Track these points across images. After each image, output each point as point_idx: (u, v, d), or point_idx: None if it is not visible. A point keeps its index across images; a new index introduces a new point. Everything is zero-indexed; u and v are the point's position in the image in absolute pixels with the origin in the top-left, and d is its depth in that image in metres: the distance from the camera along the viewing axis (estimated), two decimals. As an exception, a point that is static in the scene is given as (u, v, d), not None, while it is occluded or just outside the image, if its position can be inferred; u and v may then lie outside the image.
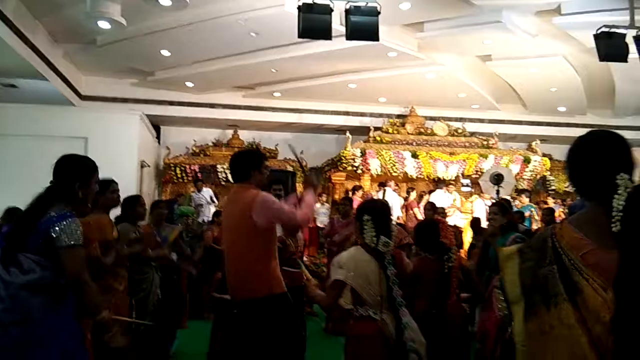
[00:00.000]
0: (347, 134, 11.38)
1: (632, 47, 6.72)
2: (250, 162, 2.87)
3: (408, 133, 12.02)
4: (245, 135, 12.60)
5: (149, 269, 3.99)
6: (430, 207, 6.60)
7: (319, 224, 10.56)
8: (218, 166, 11.73)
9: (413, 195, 10.69)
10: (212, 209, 9.95)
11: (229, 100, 11.65)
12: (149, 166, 11.61)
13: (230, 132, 12.70)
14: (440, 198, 10.20)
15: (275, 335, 2.66)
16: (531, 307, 1.30)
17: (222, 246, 3.30)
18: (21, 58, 7.44)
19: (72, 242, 2.13)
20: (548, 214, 6.83)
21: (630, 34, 6.71)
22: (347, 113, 12.24)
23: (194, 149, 12.23)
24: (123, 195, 3.85)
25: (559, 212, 10.02)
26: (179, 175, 11.76)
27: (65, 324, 2.15)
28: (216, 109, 11.71)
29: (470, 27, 8.36)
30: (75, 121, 9.33)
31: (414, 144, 11.75)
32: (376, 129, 11.87)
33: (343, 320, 2.78)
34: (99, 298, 2.32)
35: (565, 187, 12.23)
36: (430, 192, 10.95)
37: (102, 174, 3.94)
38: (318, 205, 10.86)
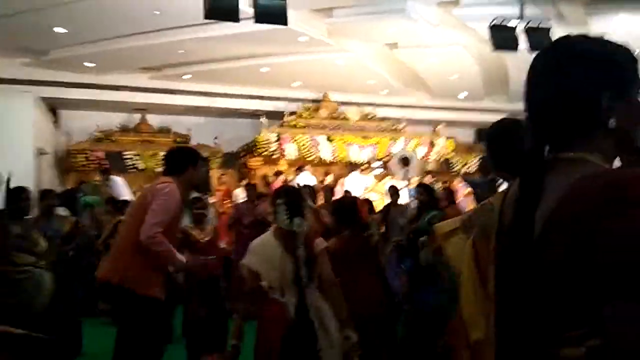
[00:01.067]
0: (262, 118, 11.31)
1: (523, 38, 7.31)
2: (189, 157, 2.96)
3: (322, 118, 12.22)
4: (154, 120, 12.06)
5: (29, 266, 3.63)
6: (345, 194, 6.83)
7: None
8: (126, 153, 11.17)
9: (329, 178, 10.91)
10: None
11: (135, 83, 11.07)
12: (47, 153, 10.81)
13: (137, 116, 12.11)
14: (355, 181, 10.53)
15: (126, 326, 2.74)
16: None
17: None
18: None
19: None
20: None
21: (521, 26, 7.27)
22: (261, 97, 12.13)
23: (98, 134, 11.52)
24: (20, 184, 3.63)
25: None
26: (83, 163, 11.05)
27: None
28: (121, 92, 11.08)
29: (376, 15, 8.61)
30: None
31: (328, 128, 11.99)
32: (291, 113, 11.92)
33: (255, 303, 2.79)
34: None
35: (467, 169, 13.05)
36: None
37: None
38: (239, 190, 10.78)
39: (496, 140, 1.73)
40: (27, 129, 9.21)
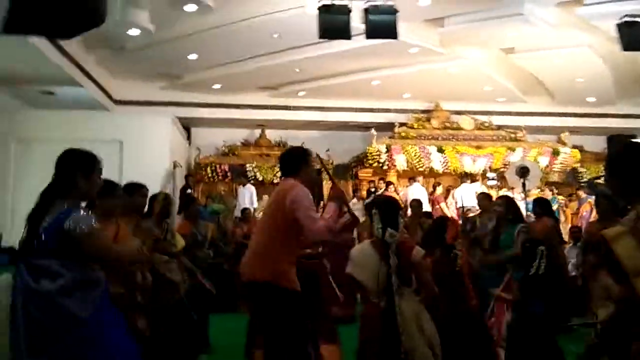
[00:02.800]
0: (372, 130, 11.48)
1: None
2: (298, 157, 3.03)
3: (433, 128, 12.05)
4: (272, 135, 12.85)
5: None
6: (417, 204, 6.74)
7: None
8: (247, 165, 12.03)
9: (439, 190, 10.73)
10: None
11: (256, 101, 11.92)
12: (181, 166, 12.00)
13: (257, 131, 12.98)
14: (466, 192, 10.19)
15: (274, 323, 2.76)
16: None
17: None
18: (57, 66, 7.85)
19: (88, 229, 2.15)
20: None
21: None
22: (371, 110, 12.33)
23: (224, 149, 12.57)
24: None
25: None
26: (210, 175, 12.10)
27: (109, 315, 2.21)
28: (243, 110, 12.00)
29: (491, 20, 8.36)
30: (110, 125, 9.70)
31: (440, 138, 11.78)
32: (401, 124, 11.94)
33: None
34: (132, 253, 2.47)
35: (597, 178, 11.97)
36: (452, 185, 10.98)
37: (137, 175, 4.20)
38: (355, 200, 11.07)
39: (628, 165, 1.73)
40: (165, 145, 10.30)
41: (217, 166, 12.10)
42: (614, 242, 1.70)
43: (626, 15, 6.54)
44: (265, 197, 11.50)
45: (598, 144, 13.66)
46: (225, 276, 6.46)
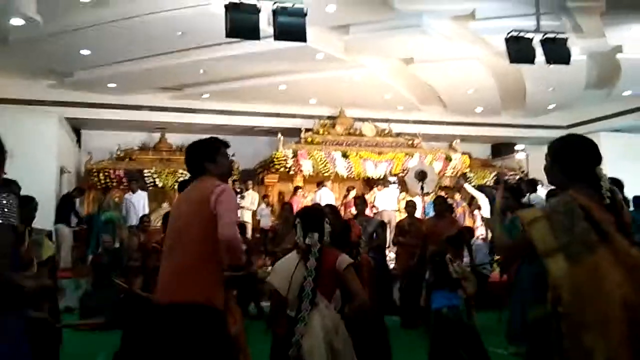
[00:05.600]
0: (279, 135, 11.45)
1: (540, 50, 7.33)
2: (201, 153, 2.63)
3: (338, 134, 12.33)
4: (174, 139, 12.28)
5: None
6: (361, 202, 6.83)
7: (262, 226, 10.60)
8: (145, 171, 11.36)
9: (353, 194, 10.99)
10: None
11: (156, 102, 11.32)
12: (69, 172, 11.04)
13: (157, 135, 12.35)
14: (386, 196, 10.99)
15: (201, 352, 2.36)
16: (575, 256, 1.76)
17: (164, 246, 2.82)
18: None
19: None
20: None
21: (537, 38, 7.31)
22: (278, 115, 12.29)
23: (119, 153, 11.75)
24: (43, 202, 3.72)
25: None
26: (103, 181, 11.24)
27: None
28: (142, 111, 11.33)
29: (392, 31, 8.74)
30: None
31: (344, 144, 12.08)
32: (307, 130, 12.04)
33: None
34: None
35: (483, 183, 12.97)
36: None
37: (20, 180, 3.72)
38: (263, 205, 10.93)
39: (562, 155, 1.98)
40: (51, 148, 9.43)
41: (112, 171, 11.29)
42: (530, 225, 1.86)
43: (513, 30, 7.15)
44: (165, 205, 10.96)
45: (484, 151, 14.89)
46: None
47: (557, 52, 7.34)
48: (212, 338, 2.38)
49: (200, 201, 2.45)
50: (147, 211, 9.99)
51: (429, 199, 10.13)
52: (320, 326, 2.46)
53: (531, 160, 13.31)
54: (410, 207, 7.23)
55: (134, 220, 9.51)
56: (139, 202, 10.26)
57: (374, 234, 6.46)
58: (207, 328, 2.37)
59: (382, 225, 7.03)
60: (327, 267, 2.57)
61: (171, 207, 3.22)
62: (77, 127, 11.61)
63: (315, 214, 2.88)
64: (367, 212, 7.71)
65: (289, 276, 2.59)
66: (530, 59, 7.43)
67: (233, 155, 12.04)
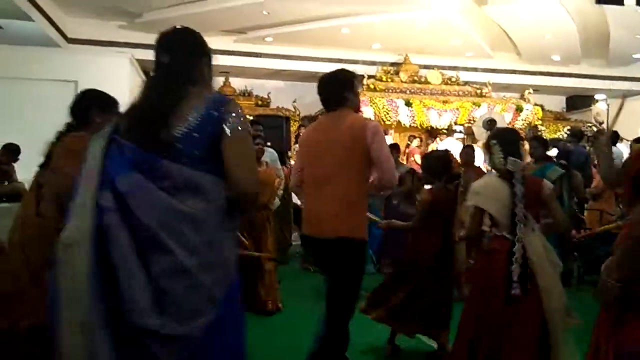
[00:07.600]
0: (340, 82, 11.27)
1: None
2: (343, 83, 2.64)
3: (402, 81, 11.94)
4: (237, 83, 12.41)
5: None
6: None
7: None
8: (209, 113, 11.63)
9: (415, 142, 10.76)
10: None
11: (220, 46, 11.36)
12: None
13: (221, 79, 12.51)
14: (451, 145, 10.43)
15: (353, 278, 2.56)
16: None
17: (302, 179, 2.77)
18: (4, -4, 7.20)
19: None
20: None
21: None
22: (340, 60, 12.00)
23: (184, 95, 12.05)
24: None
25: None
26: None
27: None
28: (207, 54, 11.48)
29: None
30: (63, 64, 9.11)
31: (408, 92, 11.72)
32: (370, 77, 11.76)
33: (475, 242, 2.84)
34: None
35: (556, 137, 12.29)
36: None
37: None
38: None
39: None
40: (124, 87, 9.76)
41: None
42: None
43: (601, -34, 6.50)
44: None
45: (558, 104, 13.98)
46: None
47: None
48: (361, 268, 2.59)
49: (353, 136, 2.50)
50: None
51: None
52: (541, 245, 2.57)
53: (611, 113, 12.38)
54: (466, 154, 6.40)
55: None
56: None
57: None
58: (361, 259, 2.58)
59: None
60: (531, 192, 2.61)
61: (302, 135, 3.12)
62: (146, 70, 11.96)
63: (513, 135, 2.88)
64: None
65: (504, 202, 2.59)
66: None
67: (294, 101, 12.17)
